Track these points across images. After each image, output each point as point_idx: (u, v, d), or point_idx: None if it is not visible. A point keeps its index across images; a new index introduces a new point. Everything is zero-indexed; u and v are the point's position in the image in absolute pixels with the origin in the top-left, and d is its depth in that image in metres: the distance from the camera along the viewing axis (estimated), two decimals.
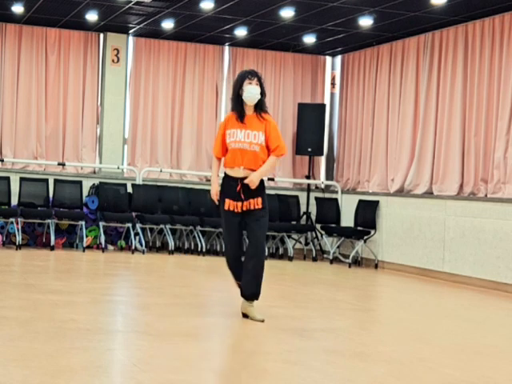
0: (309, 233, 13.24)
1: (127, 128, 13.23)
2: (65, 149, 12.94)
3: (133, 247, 12.14)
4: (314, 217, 13.33)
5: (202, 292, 8.34)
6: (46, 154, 12.81)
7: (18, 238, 11.47)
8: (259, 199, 6.39)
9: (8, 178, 12.01)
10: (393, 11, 10.61)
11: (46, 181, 12.17)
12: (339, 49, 13.50)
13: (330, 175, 14.12)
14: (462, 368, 5.13)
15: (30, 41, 12.76)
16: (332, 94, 14.19)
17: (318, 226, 13.08)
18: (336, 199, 13.32)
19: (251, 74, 6.44)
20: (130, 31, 12.94)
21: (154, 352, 4.99)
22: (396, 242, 11.84)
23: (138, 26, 12.52)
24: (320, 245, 13.33)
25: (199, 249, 12.34)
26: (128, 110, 13.25)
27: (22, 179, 12.08)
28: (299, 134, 13.45)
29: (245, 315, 6.49)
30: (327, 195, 13.73)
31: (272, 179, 13.26)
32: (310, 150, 13.38)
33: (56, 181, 12.26)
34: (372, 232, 12.24)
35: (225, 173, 6.50)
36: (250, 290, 6.40)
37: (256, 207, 6.38)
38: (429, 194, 11.37)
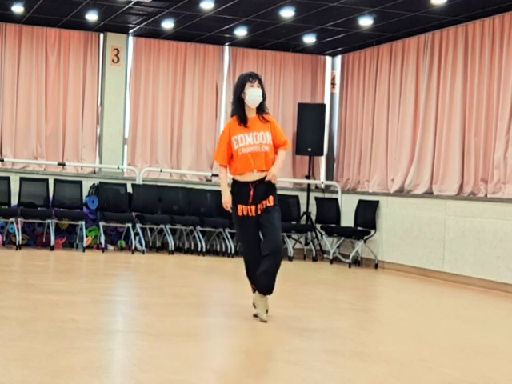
0: (309, 233, 13.25)
1: (127, 128, 13.23)
2: (65, 149, 12.94)
3: (133, 247, 12.14)
4: (314, 217, 13.33)
5: (202, 292, 8.34)
6: (46, 154, 12.81)
7: (18, 238, 11.47)
8: (271, 197, 6.40)
9: (8, 178, 12.01)
10: (393, 11, 10.61)
11: (46, 181, 12.17)
12: (339, 49, 13.50)
13: (330, 175, 14.12)
14: (462, 368, 5.13)
15: (30, 41, 12.76)
16: (332, 94, 14.19)
17: (318, 226, 13.08)
18: (336, 199, 13.32)
19: (252, 77, 6.44)
20: (130, 31, 12.95)
21: (154, 352, 4.99)
22: (396, 242, 11.84)
23: (138, 26, 12.52)
24: (320, 245, 13.33)
25: (199, 249, 12.34)
26: (128, 110, 13.25)
27: (21, 179, 12.08)
28: (299, 134, 13.45)
29: (255, 315, 6.51)
30: (327, 195, 13.73)
31: None
32: (309, 149, 13.38)
33: (56, 181, 12.27)
34: (372, 232, 12.24)
35: (233, 179, 6.47)
36: (264, 284, 6.38)
37: (268, 205, 6.38)
38: (429, 194, 11.37)
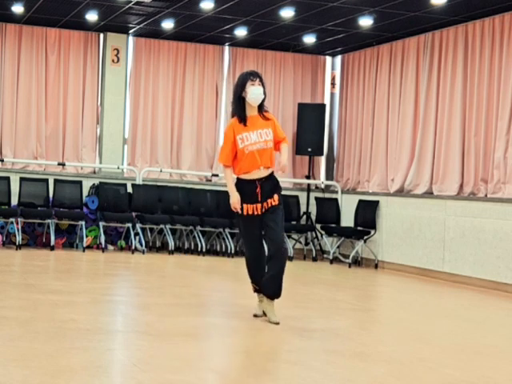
0: (309, 233, 13.25)
1: (127, 128, 13.23)
2: (65, 149, 12.94)
3: (133, 247, 12.14)
4: (314, 217, 13.33)
5: (202, 292, 8.34)
6: (46, 154, 12.81)
7: (18, 238, 11.47)
8: (276, 196, 6.39)
9: (8, 178, 12.01)
10: (393, 11, 10.61)
11: (46, 181, 12.17)
12: (339, 49, 13.50)
13: (330, 175, 14.12)
14: (462, 368, 5.14)
15: (30, 41, 12.77)
16: (332, 94, 14.19)
17: (318, 226, 13.08)
18: (336, 199, 13.32)
19: (253, 75, 6.43)
20: (130, 31, 12.95)
21: (154, 352, 4.99)
22: (396, 242, 11.84)
23: (138, 26, 12.52)
24: (320, 245, 13.33)
25: (199, 249, 12.34)
26: (128, 110, 13.25)
27: (21, 179, 12.08)
28: (299, 134, 13.45)
29: (258, 315, 6.51)
30: (327, 195, 13.73)
31: None
32: (309, 150, 13.38)
33: (56, 181, 12.27)
34: (372, 232, 12.24)
35: (238, 179, 6.42)
36: (272, 289, 6.38)
37: (273, 204, 6.36)
38: (429, 194, 11.37)
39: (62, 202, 12.17)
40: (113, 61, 13.08)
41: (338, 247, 12.90)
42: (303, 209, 13.43)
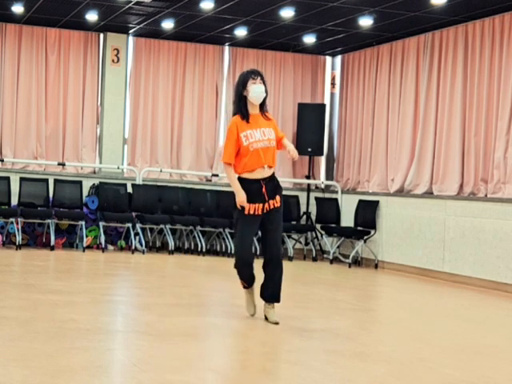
0: (309, 233, 13.25)
1: (127, 128, 13.23)
2: (65, 149, 12.94)
3: (133, 247, 12.14)
4: (314, 217, 13.33)
5: (202, 292, 8.34)
6: (46, 154, 12.81)
7: (18, 238, 11.47)
8: (278, 197, 6.35)
9: (8, 178, 12.01)
10: (393, 11, 10.61)
11: (46, 181, 12.17)
12: (339, 49, 13.50)
13: (330, 175, 14.12)
14: (462, 368, 5.13)
15: (30, 41, 12.77)
16: (332, 94, 14.19)
17: (318, 226, 13.08)
18: (336, 199, 13.32)
19: (254, 74, 6.41)
20: (130, 31, 12.95)
21: (154, 352, 4.99)
22: (396, 242, 11.84)
23: (138, 26, 12.52)
24: (320, 245, 13.33)
25: (199, 249, 12.35)
26: (128, 110, 13.25)
27: (21, 179, 12.08)
28: (299, 134, 13.45)
29: (252, 313, 6.53)
30: (327, 195, 13.73)
31: None
32: (310, 150, 13.38)
33: (56, 181, 12.27)
34: (372, 232, 12.24)
35: (240, 178, 6.32)
36: (271, 293, 6.39)
37: (276, 205, 6.33)
38: (429, 194, 11.37)
39: (61, 202, 12.17)
40: (113, 61, 13.08)
41: (338, 247, 12.90)
42: (303, 209, 13.43)
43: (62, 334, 5.34)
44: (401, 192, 11.96)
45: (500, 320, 7.75)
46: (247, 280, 6.46)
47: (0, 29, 12.63)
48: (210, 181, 13.40)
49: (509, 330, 7.13)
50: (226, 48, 13.65)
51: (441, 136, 11.24)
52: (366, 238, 12.25)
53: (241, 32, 12.41)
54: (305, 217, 13.34)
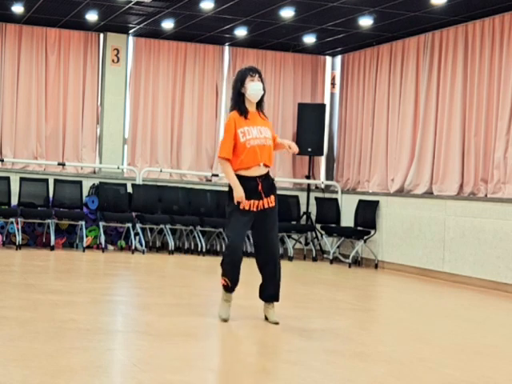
0: (309, 233, 13.24)
1: (127, 128, 13.23)
2: (65, 149, 12.94)
3: (133, 247, 12.14)
4: (314, 217, 13.33)
5: (202, 292, 8.34)
6: (46, 154, 12.81)
7: (18, 238, 11.47)
8: (272, 197, 6.33)
9: (8, 178, 12.01)
10: (393, 11, 10.61)
11: (46, 181, 12.17)
12: (339, 49, 13.50)
13: (330, 175, 14.12)
14: (462, 368, 5.14)
15: (30, 41, 12.76)
16: (332, 94, 14.19)
17: (318, 226, 13.08)
18: (336, 199, 13.32)
19: (252, 71, 6.38)
20: (130, 31, 12.95)
21: (154, 352, 4.99)
22: (396, 242, 11.84)
23: (138, 26, 12.52)
24: (320, 245, 13.33)
25: (199, 249, 12.34)
26: (128, 110, 13.25)
27: (21, 179, 12.08)
28: (299, 134, 13.44)
29: (226, 318, 6.31)
30: (327, 195, 13.73)
31: None
32: (310, 150, 13.37)
33: (56, 181, 12.27)
34: (372, 232, 12.24)
35: (237, 175, 6.26)
36: (270, 293, 6.38)
37: (270, 205, 6.31)
38: (429, 194, 11.37)
39: (61, 202, 12.17)
40: (113, 61, 13.08)
41: (338, 247, 12.90)
42: (303, 209, 13.43)
43: (62, 334, 5.34)
44: (401, 192, 11.96)
45: (500, 320, 7.75)
46: (232, 277, 6.23)
47: (0, 29, 12.63)
48: (210, 181, 13.40)
49: (509, 329, 7.13)
50: (226, 48, 13.65)
51: (441, 136, 11.24)
52: (365, 238, 12.25)
53: (241, 32, 12.41)
54: (305, 217, 13.34)
